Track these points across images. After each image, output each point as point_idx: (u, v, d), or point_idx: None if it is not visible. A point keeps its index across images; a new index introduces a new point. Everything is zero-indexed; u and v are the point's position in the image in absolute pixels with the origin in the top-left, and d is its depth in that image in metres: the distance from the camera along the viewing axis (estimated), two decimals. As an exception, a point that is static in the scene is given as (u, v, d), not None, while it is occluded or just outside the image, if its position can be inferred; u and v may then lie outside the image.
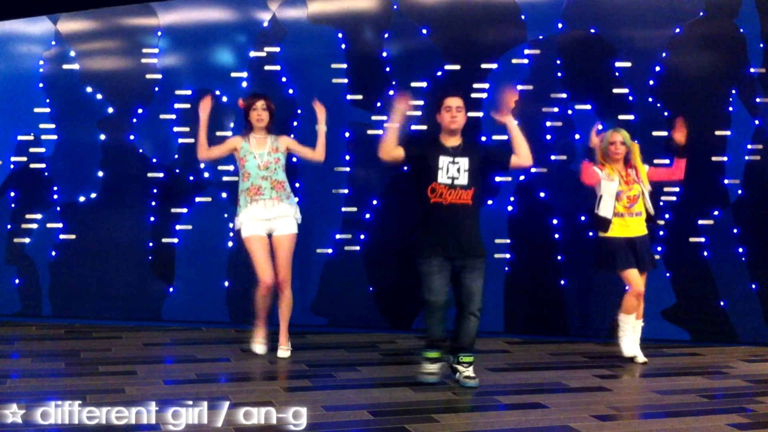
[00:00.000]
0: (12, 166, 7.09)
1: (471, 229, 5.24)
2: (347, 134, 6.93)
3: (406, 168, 6.23)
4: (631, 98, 6.79)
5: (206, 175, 6.97)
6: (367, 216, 6.94)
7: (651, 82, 6.79)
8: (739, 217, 6.73)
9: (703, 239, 6.75)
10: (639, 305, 6.03)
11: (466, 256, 5.19)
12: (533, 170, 6.82)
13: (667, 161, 6.62)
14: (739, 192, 6.74)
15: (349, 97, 6.95)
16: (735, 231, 6.72)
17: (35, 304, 7.08)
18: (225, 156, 6.11)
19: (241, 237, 5.93)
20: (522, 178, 6.84)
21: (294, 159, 6.67)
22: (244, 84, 6.97)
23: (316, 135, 6.00)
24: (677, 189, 6.71)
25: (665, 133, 6.72)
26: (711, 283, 6.72)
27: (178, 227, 7.03)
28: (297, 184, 6.84)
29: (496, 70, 6.88)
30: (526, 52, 6.88)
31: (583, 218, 6.68)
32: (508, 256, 6.86)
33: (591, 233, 6.29)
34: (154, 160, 7.06)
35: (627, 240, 5.95)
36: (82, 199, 7.06)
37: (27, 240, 7.07)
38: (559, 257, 6.79)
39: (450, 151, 5.22)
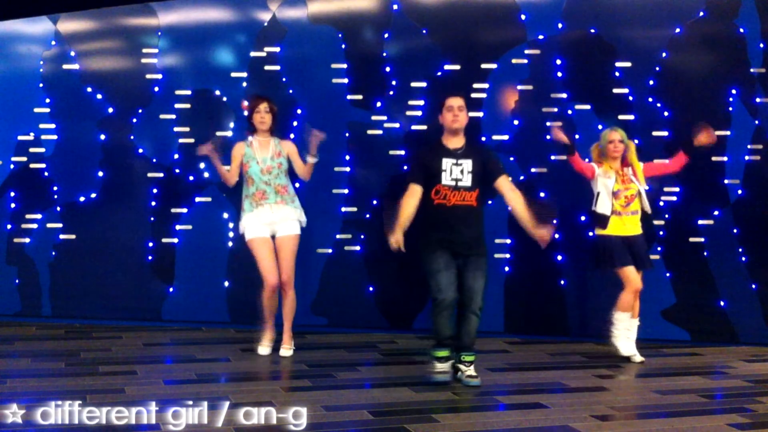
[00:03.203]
0: (12, 166, 7.10)
1: (475, 227, 5.25)
2: (347, 134, 6.93)
3: (406, 167, 6.21)
4: (631, 98, 6.79)
5: (206, 175, 6.97)
6: (367, 216, 6.94)
7: (651, 82, 6.78)
8: (739, 217, 6.72)
9: (703, 239, 6.74)
10: (635, 304, 6.04)
11: (469, 253, 5.20)
12: (533, 170, 6.83)
13: (666, 161, 6.62)
14: (739, 192, 6.73)
15: (349, 97, 6.95)
16: (735, 231, 6.72)
17: (35, 304, 7.08)
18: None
19: (245, 240, 5.93)
20: (522, 178, 6.84)
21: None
22: (244, 84, 6.97)
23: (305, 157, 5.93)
24: (677, 189, 6.72)
25: (665, 133, 6.73)
26: (711, 283, 6.72)
27: (178, 227, 7.03)
28: (297, 184, 6.83)
29: (496, 70, 6.88)
30: (526, 52, 6.88)
31: (583, 218, 6.68)
32: (508, 256, 6.86)
33: (591, 233, 6.28)
34: (154, 160, 7.06)
35: (624, 238, 5.98)
36: (82, 199, 7.06)
37: (27, 240, 7.07)
38: (559, 257, 6.79)
39: (453, 153, 5.22)
